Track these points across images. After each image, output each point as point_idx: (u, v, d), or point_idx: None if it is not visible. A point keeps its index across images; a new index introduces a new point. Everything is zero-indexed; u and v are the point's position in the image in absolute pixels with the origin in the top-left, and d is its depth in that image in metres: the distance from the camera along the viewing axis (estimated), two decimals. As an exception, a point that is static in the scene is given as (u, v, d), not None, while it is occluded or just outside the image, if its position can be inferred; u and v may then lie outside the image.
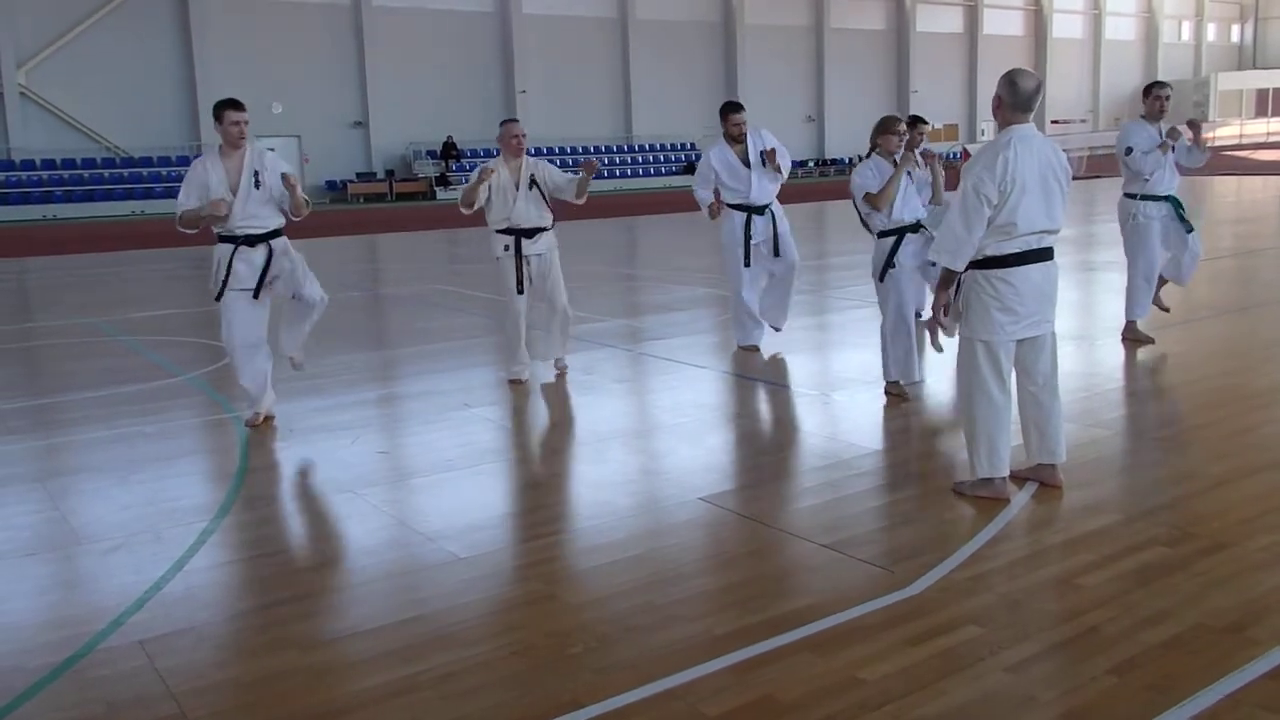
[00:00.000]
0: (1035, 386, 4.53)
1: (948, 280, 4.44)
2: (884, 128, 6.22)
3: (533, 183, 6.98)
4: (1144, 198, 7.39)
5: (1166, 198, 7.39)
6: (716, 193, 7.77)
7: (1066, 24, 53.88)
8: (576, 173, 7.03)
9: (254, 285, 5.92)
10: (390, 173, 34.70)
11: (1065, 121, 51.23)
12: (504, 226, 7.01)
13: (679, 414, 6.21)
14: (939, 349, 6.11)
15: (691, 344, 8.32)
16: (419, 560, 4.12)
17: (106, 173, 30.27)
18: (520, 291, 7.03)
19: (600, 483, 5.07)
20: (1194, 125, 7.56)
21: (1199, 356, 7.27)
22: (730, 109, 7.80)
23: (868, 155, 6.30)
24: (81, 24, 29.72)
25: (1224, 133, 50.48)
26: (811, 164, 43.71)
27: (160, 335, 9.61)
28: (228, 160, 5.86)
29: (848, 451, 5.31)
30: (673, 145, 39.92)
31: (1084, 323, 8.92)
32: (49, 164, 29.59)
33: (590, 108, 38.40)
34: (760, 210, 7.75)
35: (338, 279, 14.05)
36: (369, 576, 3.99)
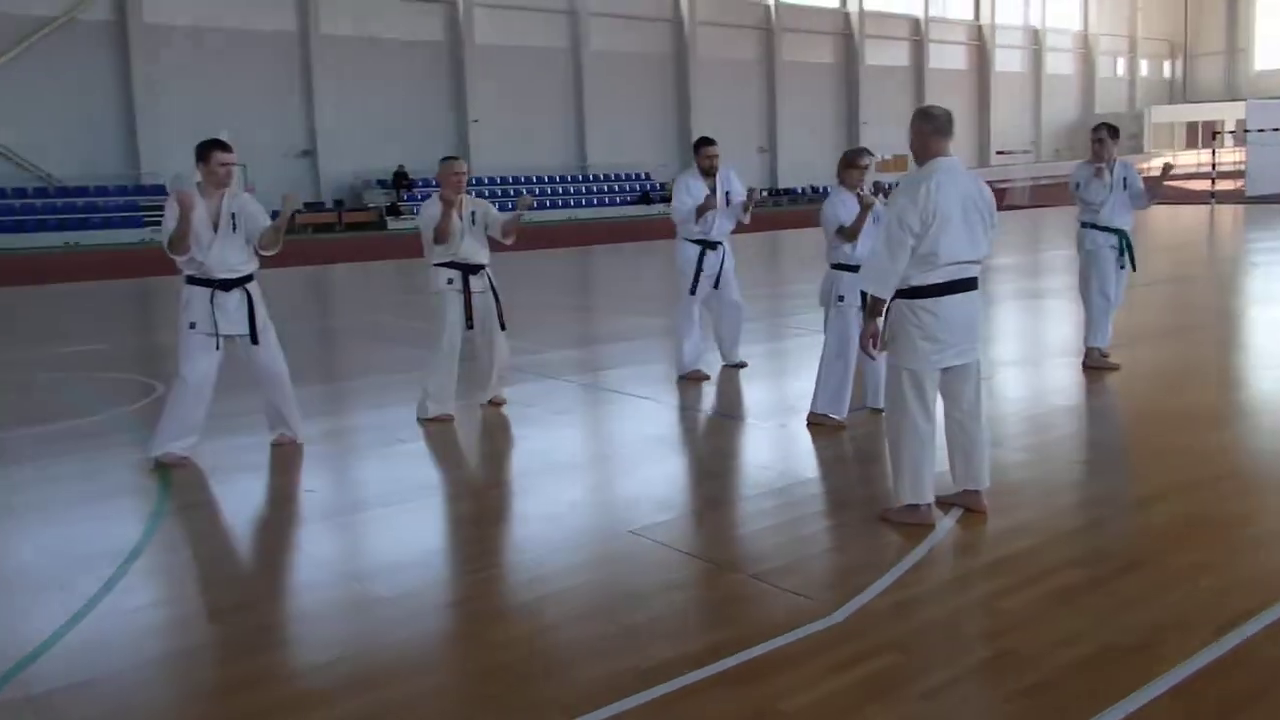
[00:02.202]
0: (960, 413, 4.62)
1: (875, 309, 4.52)
2: (848, 162, 6.35)
3: (474, 219, 7.03)
4: (1094, 226, 7.64)
5: (1117, 231, 7.60)
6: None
7: (1008, 58, 55.33)
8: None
9: (233, 332, 5.93)
10: (339, 202, 34.47)
11: (1009, 152, 52.35)
12: (447, 261, 7.00)
13: (617, 445, 6.24)
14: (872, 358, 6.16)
15: (637, 374, 8.35)
16: (339, 601, 4.06)
17: (39, 203, 29.51)
18: (470, 327, 7.02)
19: (531, 517, 5.06)
20: (1165, 168, 7.89)
21: (1128, 380, 7.43)
22: (705, 142, 8.06)
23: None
24: (13, 49, 29.13)
25: (1158, 163, 51.92)
26: (764, 193, 44.13)
27: (85, 370, 9.38)
28: (208, 200, 5.87)
29: (780, 481, 5.35)
30: (627, 175, 40.14)
31: (1026, 348, 9.12)
32: (-18, 193, 28.96)
33: (544, 138, 38.52)
34: (714, 245, 7.99)
35: (279, 312, 13.93)
36: (284, 620, 3.94)
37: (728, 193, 8.00)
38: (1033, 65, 56.81)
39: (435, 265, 7.03)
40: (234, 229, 5.90)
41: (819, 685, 3.17)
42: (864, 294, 4.61)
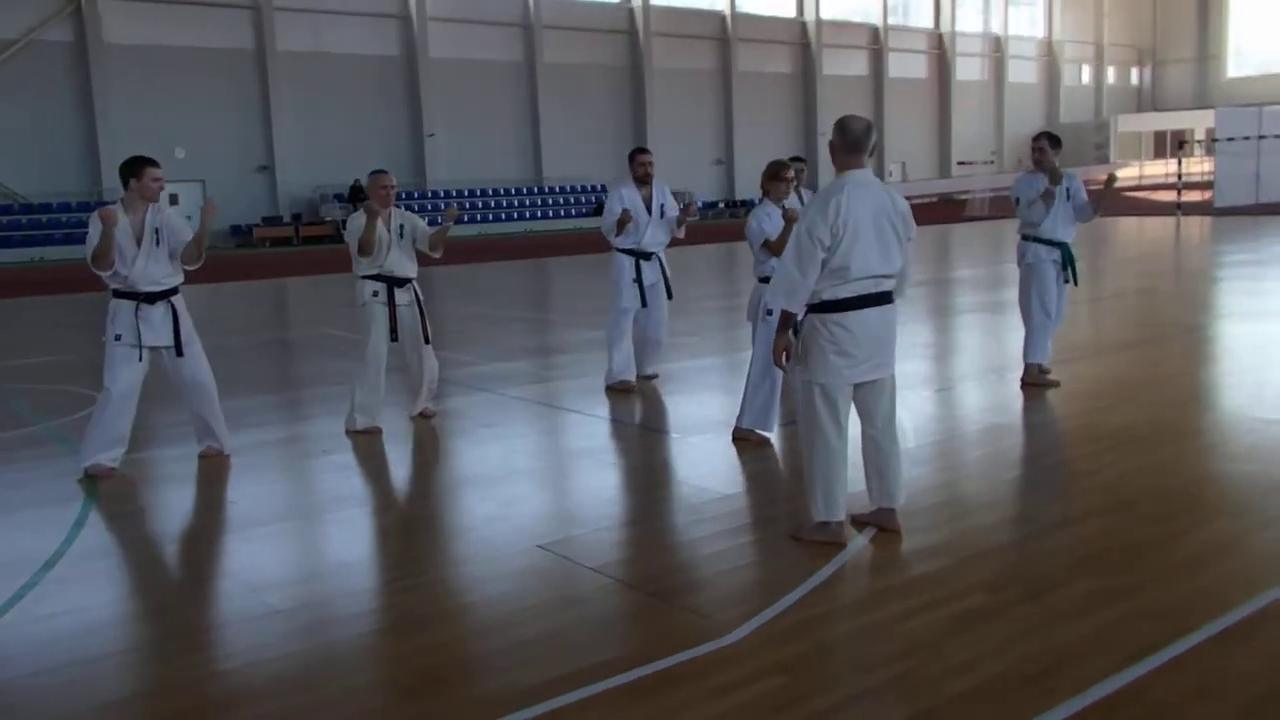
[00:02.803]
0: (875, 430, 4.55)
1: (785, 323, 4.45)
2: (772, 174, 6.27)
3: (402, 232, 6.94)
4: (1035, 240, 7.54)
5: (1059, 244, 7.51)
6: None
7: (969, 67, 55.67)
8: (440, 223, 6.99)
9: (157, 344, 5.99)
10: (297, 216, 34.15)
11: (970, 163, 52.77)
12: (374, 273, 6.93)
13: (540, 459, 6.14)
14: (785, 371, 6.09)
15: (570, 388, 8.26)
16: (235, 614, 4.00)
17: (5, 219, 29.28)
18: (395, 339, 6.94)
19: (443, 530, 4.97)
20: (1108, 181, 7.78)
21: (1068, 397, 7.35)
22: (639, 151, 8.09)
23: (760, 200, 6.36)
24: (-26, 68, 28.86)
25: (1124, 174, 52.44)
26: (721, 205, 44.24)
27: (31, 383, 9.28)
28: (133, 214, 5.92)
29: (698, 496, 5.27)
30: (582, 187, 40.06)
31: (965, 363, 9.07)
32: (-59, 211, 28.55)
33: (499, 150, 38.38)
34: (648, 256, 7.96)
35: (226, 324, 13.73)
36: (178, 632, 3.84)
37: (662, 205, 8.00)
38: (995, 73, 57.25)
39: (362, 277, 6.98)
40: (157, 243, 5.96)
41: (701, 707, 3.09)
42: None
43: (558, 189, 39.46)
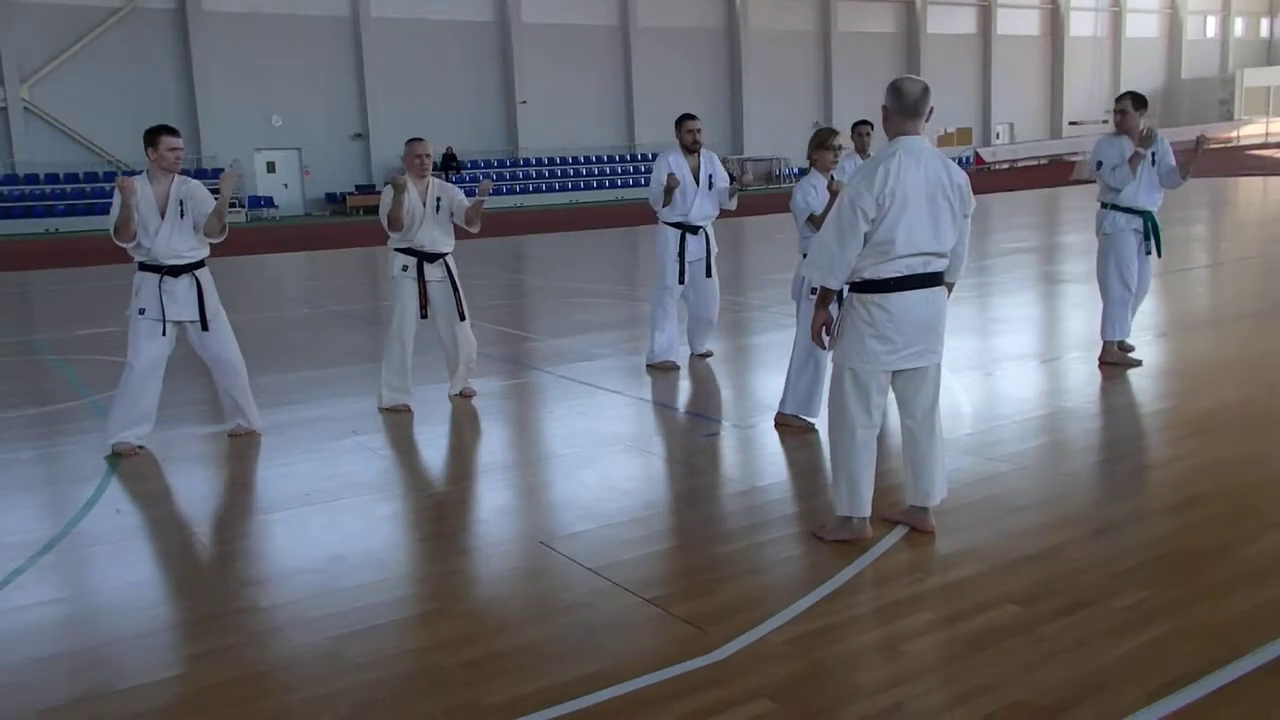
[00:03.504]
0: (913, 422, 4.17)
1: (825, 299, 4.10)
2: (819, 142, 5.84)
3: (438, 205, 6.74)
4: (1115, 208, 6.97)
5: (1142, 213, 6.93)
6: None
7: (1085, 21, 52.85)
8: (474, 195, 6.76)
9: (181, 318, 5.91)
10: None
11: (1082, 123, 50.44)
12: (405, 247, 6.76)
13: (568, 444, 5.89)
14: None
15: (619, 366, 7.98)
16: (215, 609, 3.82)
17: (107, 186, 30.26)
18: (424, 316, 6.76)
19: (448, 523, 4.75)
20: (1198, 143, 7.14)
21: (1152, 375, 6.79)
22: (687, 117, 7.70)
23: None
24: (83, 39, 29.84)
25: (1249, 131, 49.42)
26: (820, 169, 43.18)
27: (90, 354, 9.36)
28: (157, 185, 5.86)
29: (725, 489, 4.97)
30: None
31: (1040, 340, 8.48)
32: (52, 177, 29.71)
33: (592, 117, 38.12)
34: (695, 230, 7.58)
35: (294, 295, 13.86)
36: (154, 628, 3.70)
37: (711, 175, 7.63)
38: (1112, 28, 54.25)
39: (394, 250, 6.80)
40: (181, 215, 5.86)
41: (667, 739, 2.80)
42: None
43: (650, 155, 39.01)
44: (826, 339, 4.17)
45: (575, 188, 36.08)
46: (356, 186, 33.92)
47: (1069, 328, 8.84)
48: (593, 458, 5.58)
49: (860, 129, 8.95)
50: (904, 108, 3.96)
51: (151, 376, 5.90)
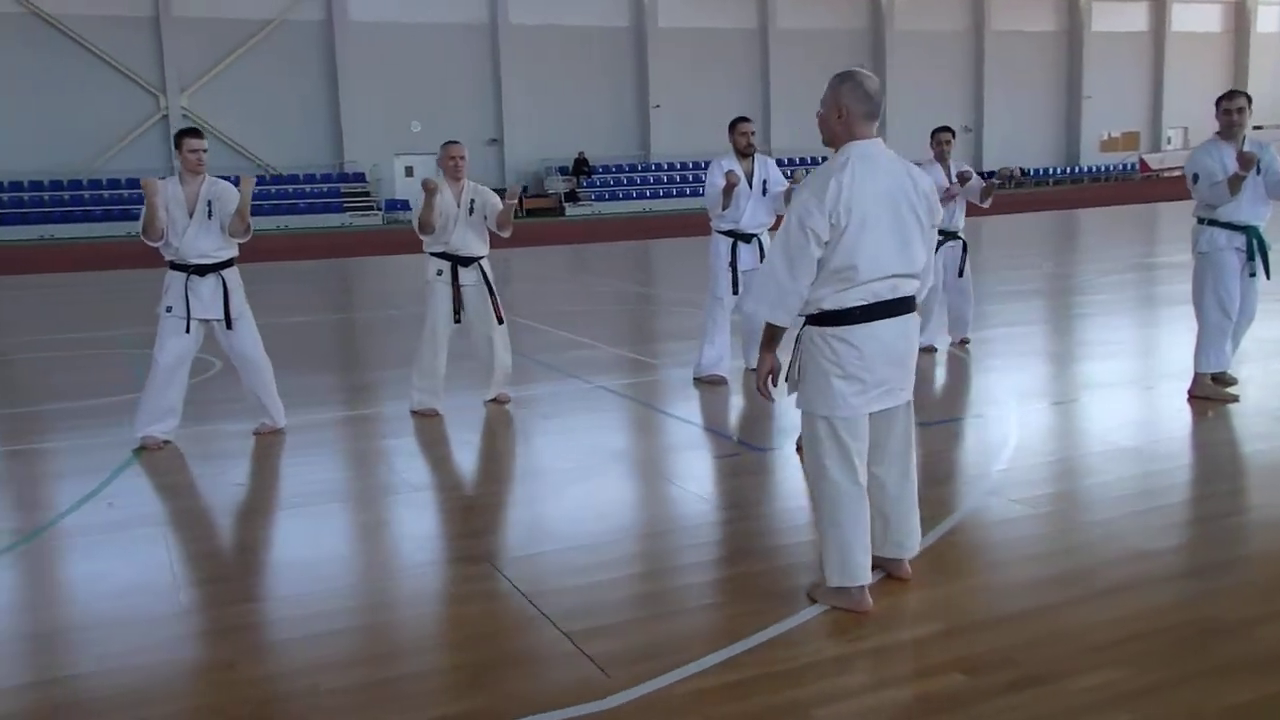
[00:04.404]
0: (881, 469, 3.62)
1: (771, 338, 3.54)
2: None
3: (472, 208, 6.60)
4: (1213, 223, 6.17)
5: (1245, 228, 6.12)
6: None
7: (1273, 17, 48.99)
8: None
9: (206, 316, 5.98)
10: (523, 189, 35.07)
11: (1264, 127, 46.87)
12: (439, 251, 6.65)
13: (568, 459, 5.63)
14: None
15: (664, 379, 7.66)
16: (138, 613, 3.73)
17: (256, 190, 31.74)
18: (457, 320, 6.65)
19: (407, 535, 4.55)
20: None
21: (1249, 414, 5.94)
22: (740, 120, 7.41)
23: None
24: (237, 50, 31.46)
25: None
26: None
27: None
28: (187, 187, 5.97)
29: (708, 515, 4.60)
30: (813, 159, 38.69)
31: (1140, 366, 7.66)
32: (206, 182, 31.35)
33: (726, 121, 37.46)
34: (748, 238, 7.27)
35: (384, 298, 14.02)
36: (75, 625, 3.66)
37: (765, 180, 7.24)
38: (1309, 21, 50.16)
39: (429, 254, 6.70)
40: (209, 215, 5.95)
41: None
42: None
43: (786, 161, 38.33)
44: (773, 388, 3.60)
45: (707, 193, 35.78)
46: (491, 190, 34.55)
47: (1177, 355, 8.03)
48: (586, 475, 5.29)
49: (940, 136, 8.38)
50: (869, 109, 3.43)
51: (176, 372, 5.98)
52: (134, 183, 28.95)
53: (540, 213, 33.51)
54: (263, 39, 31.74)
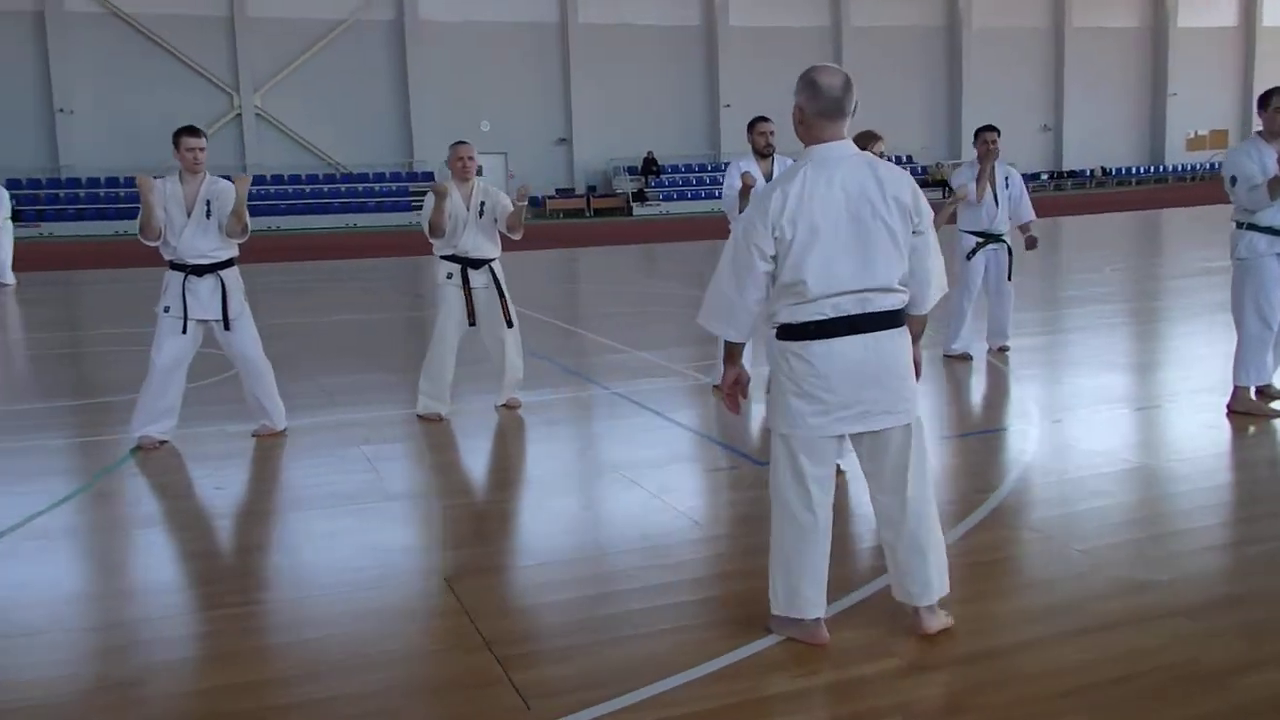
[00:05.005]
0: (883, 496, 3.28)
1: (731, 353, 3.34)
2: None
3: (482, 210, 6.50)
4: (1252, 228, 5.80)
5: None
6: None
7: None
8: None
9: (204, 317, 5.94)
10: (591, 189, 35.09)
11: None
12: (449, 254, 6.56)
13: (557, 469, 5.52)
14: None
15: (684, 386, 7.42)
16: (74, 622, 3.68)
17: (326, 187, 32.37)
18: (472, 323, 6.56)
19: (365, 546, 4.38)
20: None
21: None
22: (759, 119, 7.16)
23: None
24: (309, 50, 31.97)
25: None
26: (1046, 177, 40.46)
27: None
28: (186, 186, 5.94)
29: (683, 534, 4.39)
30: (889, 158, 38.04)
31: (1189, 378, 7.22)
32: (277, 178, 31.96)
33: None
34: None
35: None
36: (15, 631, 3.59)
37: None
38: None
39: (439, 257, 6.61)
40: (208, 215, 5.90)
41: None
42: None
43: (860, 159, 37.82)
44: (743, 400, 3.41)
45: (777, 193, 35.36)
46: (557, 190, 34.63)
47: (1226, 366, 7.59)
48: (572, 487, 5.14)
49: (986, 136, 8.04)
50: (824, 107, 3.14)
51: (173, 373, 5.95)
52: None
53: (607, 212, 33.47)
54: (334, 39, 32.21)
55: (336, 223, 31.09)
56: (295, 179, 32.27)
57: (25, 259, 17.20)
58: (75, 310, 14.40)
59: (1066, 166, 41.24)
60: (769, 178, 7.01)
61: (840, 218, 3.09)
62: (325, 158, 32.77)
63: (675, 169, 35.02)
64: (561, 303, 13.70)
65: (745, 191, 6.81)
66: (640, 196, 33.94)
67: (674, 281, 15.95)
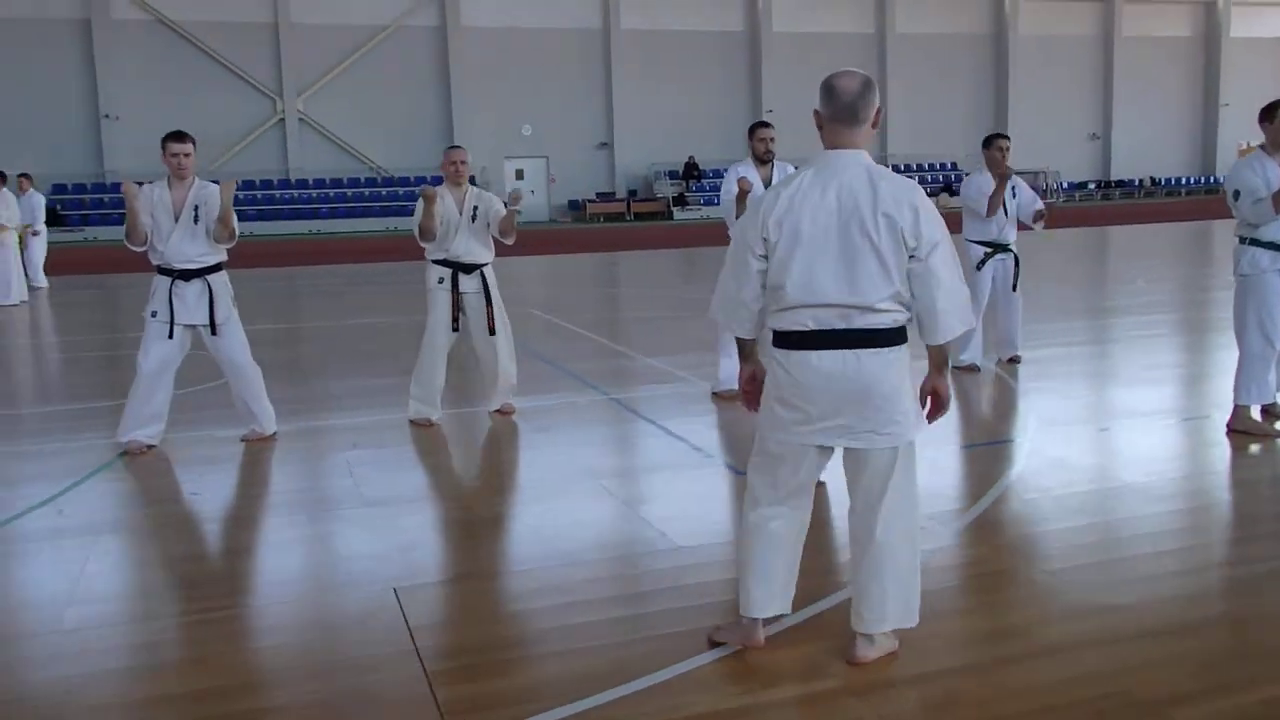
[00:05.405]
0: (856, 515, 3.22)
1: (743, 350, 3.37)
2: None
3: (475, 215, 6.51)
4: (1255, 243, 5.66)
5: None
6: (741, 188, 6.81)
7: None
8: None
9: (191, 322, 5.98)
10: (632, 193, 35.12)
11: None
12: (440, 258, 6.57)
13: (535, 477, 5.47)
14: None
15: (684, 393, 7.37)
16: (37, 626, 3.70)
17: (367, 191, 32.72)
18: (456, 329, 6.56)
19: (328, 554, 4.40)
20: None
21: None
22: (760, 125, 7.16)
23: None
24: (352, 55, 32.36)
25: None
26: (1093, 186, 39.80)
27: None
28: (175, 191, 5.98)
29: (650, 544, 4.34)
30: (930, 165, 37.67)
31: (1176, 396, 7.07)
32: (319, 182, 32.38)
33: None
34: None
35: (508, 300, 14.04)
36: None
37: None
38: None
39: (431, 262, 6.63)
40: (195, 220, 5.93)
41: None
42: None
43: (902, 167, 37.37)
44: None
45: (817, 200, 35.18)
46: (598, 194, 34.71)
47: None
48: (547, 496, 5.10)
49: (998, 143, 7.91)
50: (836, 112, 3.10)
51: (160, 378, 5.98)
52: (250, 184, 30.12)
53: (647, 216, 33.49)
54: (377, 44, 32.57)
55: (377, 226, 31.40)
56: (337, 183, 32.66)
57: (69, 263, 17.55)
58: (98, 314, 14.52)
59: (1114, 176, 40.53)
60: (768, 183, 6.96)
61: (830, 228, 3.02)
62: (367, 161, 33.14)
63: (717, 173, 34.91)
64: (584, 306, 13.69)
65: (742, 197, 6.77)
66: (681, 200, 33.92)
67: (709, 286, 15.85)
